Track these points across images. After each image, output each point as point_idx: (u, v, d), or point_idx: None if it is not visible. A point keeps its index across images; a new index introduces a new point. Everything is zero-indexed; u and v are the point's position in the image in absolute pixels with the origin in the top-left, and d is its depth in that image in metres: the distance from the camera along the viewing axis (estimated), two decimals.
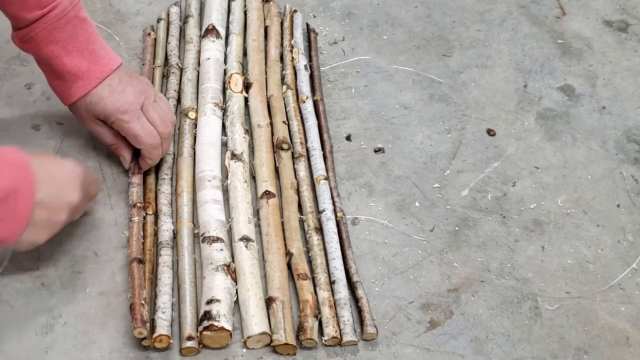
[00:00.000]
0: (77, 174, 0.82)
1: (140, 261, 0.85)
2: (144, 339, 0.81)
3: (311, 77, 1.09)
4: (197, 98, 1.04)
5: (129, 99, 0.90)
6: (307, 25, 1.17)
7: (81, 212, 0.86)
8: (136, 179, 0.93)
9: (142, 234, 0.89)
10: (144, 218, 0.91)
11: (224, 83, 1.06)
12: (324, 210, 0.94)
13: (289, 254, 0.90)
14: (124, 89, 0.90)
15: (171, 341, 0.81)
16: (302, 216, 0.94)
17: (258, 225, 0.93)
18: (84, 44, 0.88)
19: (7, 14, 0.87)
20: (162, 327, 0.81)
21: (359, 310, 0.86)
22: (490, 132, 1.07)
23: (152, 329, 0.81)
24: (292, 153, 1.00)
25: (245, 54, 1.11)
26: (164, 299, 0.83)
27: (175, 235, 0.91)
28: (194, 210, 0.93)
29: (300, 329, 0.84)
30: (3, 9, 0.87)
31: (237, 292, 0.86)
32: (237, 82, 1.05)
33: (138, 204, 0.91)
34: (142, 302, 0.81)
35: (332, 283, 0.88)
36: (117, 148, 0.95)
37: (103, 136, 0.94)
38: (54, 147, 0.97)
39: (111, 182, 0.96)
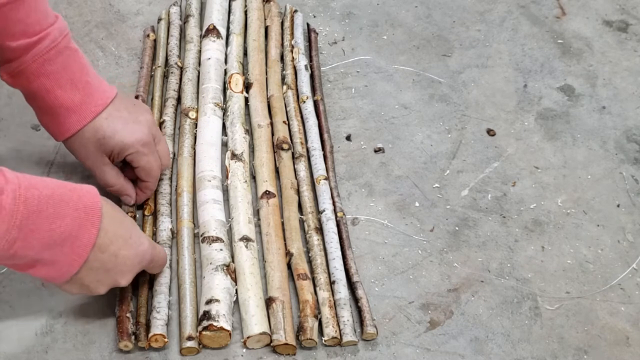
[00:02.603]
0: (142, 259, 0.79)
1: None
2: (138, 342, 0.81)
3: (311, 77, 1.09)
4: (197, 98, 1.04)
5: (145, 130, 0.87)
6: (308, 25, 1.17)
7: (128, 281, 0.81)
8: None
9: None
10: (143, 219, 0.91)
11: (224, 83, 1.06)
12: (324, 210, 0.94)
13: (289, 254, 0.90)
14: (137, 119, 0.86)
15: (166, 340, 0.81)
16: (302, 216, 0.94)
17: (258, 225, 0.93)
18: (77, 75, 0.84)
19: None
20: (157, 326, 0.81)
21: (359, 310, 0.86)
22: (490, 132, 1.07)
23: (148, 329, 0.81)
24: (293, 153, 1.00)
25: (245, 54, 1.11)
26: (160, 299, 0.83)
27: (174, 235, 0.91)
28: (194, 210, 0.93)
29: (300, 329, 0.84)
30: None
31: (236, 292, 0.86)
32: (237, 82, 1.05)
33: (129, 213, 0.91)
34: (128, 315, 0.82)
35: (332, 283, 0.88)
36: (119, 189, 0.90)
37: (107, 175, 0.88)
38: (54, 148, 0.97)
39: None
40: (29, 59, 0.82)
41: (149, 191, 0.91)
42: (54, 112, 0.85)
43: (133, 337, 0.81)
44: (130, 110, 0.87)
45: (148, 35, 1.10)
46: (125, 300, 0.83)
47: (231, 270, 0.86)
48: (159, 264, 0.83)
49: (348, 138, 1.05)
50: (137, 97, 1.02)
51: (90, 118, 0.85)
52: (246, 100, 1.05)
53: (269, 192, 0.94)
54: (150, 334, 0.81)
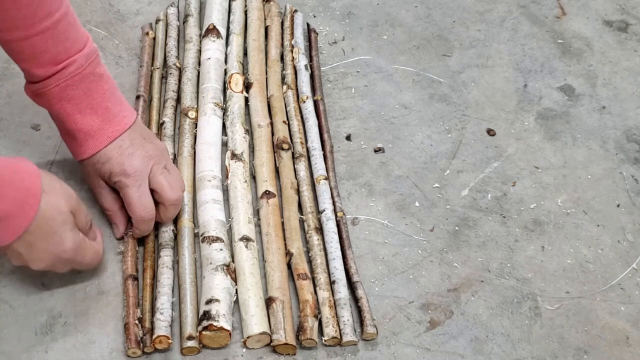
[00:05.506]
0: (57, 258, 0.78)
1: (135, 278, 0.85)
2: (144, 348, 0.81)
3: (311, 77, 1.09)
4: (197, 98, 1.04)
5: (135, 163, 0.86)
6: (308, 25, 1.17)
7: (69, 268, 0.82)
8: None
9: (137, 249, 0.88)
10: None
11: (224, 83, 1.06)
12: (324, 210, 0.94)
13: (289, 254, 0.90)
14: (133, 152, 0.86)
15: (170, 342, 0.81)
16: (302, 216, 0.94)
17: (258, 225, 0.93)
18: (98, 101, 0.85)
19: (20, 67, 0.85)
20: (161, 328, 0.81)
21: (359, 310, 0.86)
22: (490, 132, 1.07)
23: (152, 330, 0.81)
24: (293, 153, 1.00)
25: (245, 53, 1.11)
26: (163, 300, 0.83)
27: (175, 235, 0.91)
28: (194, 209, 0.93)
29: (300, 329, 0.84)
30: (16, 63, 0.84)
31: (236, 292, 0.86)
32: (237, 82, 1.05)
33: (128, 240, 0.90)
34: (136, 321, 0.81)
35: (332, 283, 0.88)
36: (111, 215, 0.90)
37: (102, 198, 0.90)
38: (54, 147, 0.97)
39: None
40: (52, 82, 0.83)
41: (136, 229, 0.88)
42: (73, 134, 0.87)
43: (141, 344, 0.81)
44: (135, 142, 0.87)
45: (147, 33, 1.10)
46: (132, 306, 0.83)
47: (231, 270, 0.86)
48: (84, 264, 0.82)
49: (348, 138, 1.05)
50: (138, 97, 1.02)
51: (104, 144, 0.86)
52: (246, 100, 1.05)
53: (269, 192, 0.94)
54: (154, 336, 0.81)
